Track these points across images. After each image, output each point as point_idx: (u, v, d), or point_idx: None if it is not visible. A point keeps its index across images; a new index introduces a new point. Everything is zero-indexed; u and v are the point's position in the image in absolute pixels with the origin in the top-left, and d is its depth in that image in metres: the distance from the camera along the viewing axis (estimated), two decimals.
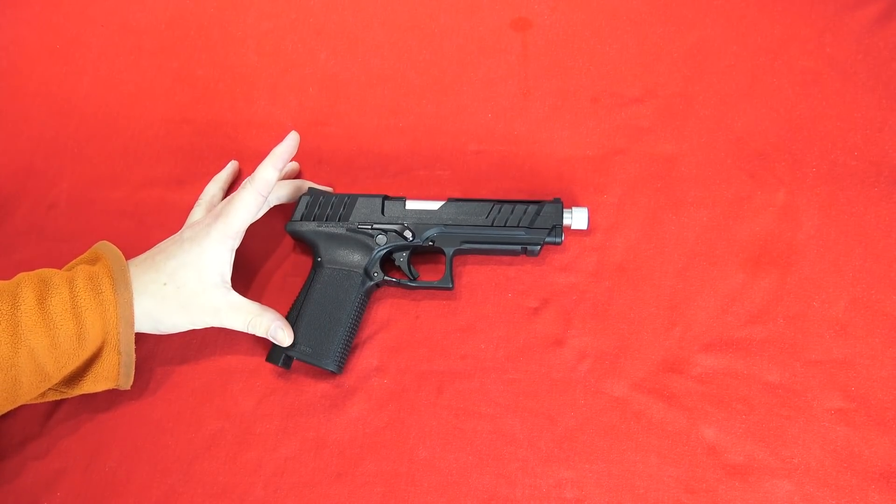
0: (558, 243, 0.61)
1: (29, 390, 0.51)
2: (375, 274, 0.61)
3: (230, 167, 0.67)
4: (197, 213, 0.62)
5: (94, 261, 0.55)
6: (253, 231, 0.63)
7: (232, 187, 0.68)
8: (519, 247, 0.62)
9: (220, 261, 0.56)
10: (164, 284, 0.54)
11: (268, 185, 0.57)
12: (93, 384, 0.54)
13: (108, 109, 0.73)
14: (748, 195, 0.65)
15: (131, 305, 0.53)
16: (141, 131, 0.72)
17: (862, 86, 0.67)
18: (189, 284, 0.55)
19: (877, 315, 0.60)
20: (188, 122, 0.72)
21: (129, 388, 0.56)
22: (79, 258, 0.56)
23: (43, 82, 0.74)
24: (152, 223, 0.67)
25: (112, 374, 0.54)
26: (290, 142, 0.58)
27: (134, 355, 0.54)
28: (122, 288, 0.52)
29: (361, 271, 0.61)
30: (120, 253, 0.55)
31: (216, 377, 0.62)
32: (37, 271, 0.53)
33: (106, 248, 0.56)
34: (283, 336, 0.58)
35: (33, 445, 0.60)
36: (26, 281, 0.51)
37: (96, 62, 0.75)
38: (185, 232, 0.58)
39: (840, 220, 0.63)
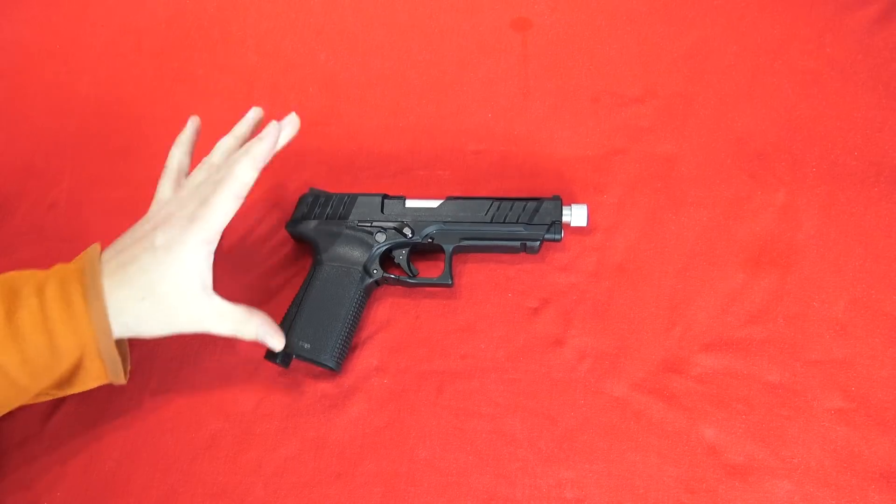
0: (558, 240, 0.61)
1: (8, 403, 0.49)
2: (375, 271, 0.61)
3: (191, 125, 0.61)
4: (165, 187, 0.57)
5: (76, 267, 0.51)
6: (253, 231, 0.63)
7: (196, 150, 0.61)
8: (518, 243, 0.61)
9: (199, 268, 0.52)
10: (142, 300, 0.50)
11: (246, 188, 0.53)
12: (83, 386, 0.51)
13: (108, 109, 0.73)
14: (748, 195, 0.65)
15: (106, 317, 0.49)
16: (141, 131, 0.72)
17: (862, 86, 0.67)
18: (168, 297, 0.51)
19: (877, 315, 0.60)
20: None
21: (125, 382, 0.53)
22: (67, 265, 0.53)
23: (43, 82, 0.74)
24: None
25: (100, 375, 0.51)
26: (271, 138, 0.53)
27: (119, 357, 0.51)
28: (94, 298, 0.48)
29: (361, 268, 0.61)
30: (98, 259, 0.51)
31: (216, 377, 0.62)
32: (8, 276, 0.50)
33: (88, 253, 0.52)
34: (273, 341, 0.55)
35: (33, 445, 0.60)
36: None
37: (96, 62, 0.75)
38: (157, 236, 0.51)
39: (840, 220, 0.63)
